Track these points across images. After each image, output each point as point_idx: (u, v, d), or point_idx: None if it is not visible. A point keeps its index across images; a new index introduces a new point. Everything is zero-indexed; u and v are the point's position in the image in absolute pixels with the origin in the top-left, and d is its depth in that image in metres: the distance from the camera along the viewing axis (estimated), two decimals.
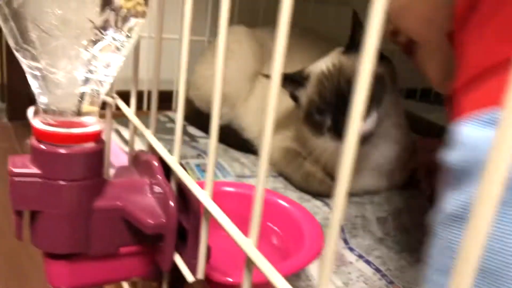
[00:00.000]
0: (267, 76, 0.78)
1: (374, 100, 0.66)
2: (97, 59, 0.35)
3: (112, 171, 0.51)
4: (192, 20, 0.34)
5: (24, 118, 1.14)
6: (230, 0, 0.29)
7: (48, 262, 0.40)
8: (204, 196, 0.33)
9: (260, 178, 0.26)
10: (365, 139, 0.66)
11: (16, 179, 0.36)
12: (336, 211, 0.21)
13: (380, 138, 0.71)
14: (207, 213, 0.33)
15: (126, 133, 0.88)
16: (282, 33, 0.24)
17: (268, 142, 0.26)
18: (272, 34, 0.91)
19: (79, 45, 0.34)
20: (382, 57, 0.69)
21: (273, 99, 0.25)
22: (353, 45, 0.71)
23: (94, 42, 0.34)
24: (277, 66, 0.25)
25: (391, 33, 0.54)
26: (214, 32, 1.13)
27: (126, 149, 0.79)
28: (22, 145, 0.93)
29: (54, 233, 0.38)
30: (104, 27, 0.34)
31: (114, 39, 0.35)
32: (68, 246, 0.39)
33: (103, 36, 0.34)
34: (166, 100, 1.13)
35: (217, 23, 0.30)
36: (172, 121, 1.07)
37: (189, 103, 1.02)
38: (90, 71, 0.35)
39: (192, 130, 1.00)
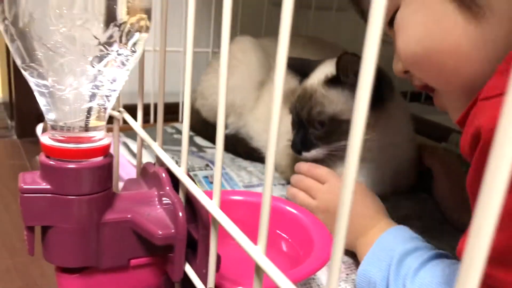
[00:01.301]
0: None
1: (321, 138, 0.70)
2: (102, 74, 0.36)
3: (121, 184, 0.51)
4: (195, 32, 0.34)
5: (33, 135, 1.15)
6: (232, 12, 0.29)
7: (60, 276, 0.40)
8: (212, 206, 0.33)
9: (267, 184, 0.26)
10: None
11: (26, 195, 0.37)
12: (342, 219, 0.21)
13: (383, 146, 0.71)
14: (216, 223, 0.34)
15: (134, 146, 0.89)
16: (284, 40, 0.24)
17: (273, 148, 0.26)
18: (277, 43, 0.91)
19: (85, 61, 0.35)
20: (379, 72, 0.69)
21: (277, 106, 0.26)
22: (338, 80, 0.70)
23: (100, 58, 0.35)
24: (280, 74, 0.25)
25: (403, 72, 0.51)
26: (218, 44, 1.14)
27: (134, 162, 0.80)
28: (31, 162, 0.94)
29: (65, 247, 0.39)
30: (108, 43, 0.34)
31: (119, 54, 0.36)
32: (80, 260, 0.39)
33: (108, 52, 0.35)
34: (172, 112, 1.13)
35: (220, 34, 0.31)
36: (179, 132, 1.08)
37: (196, 113, 1.03)
38: (96, 87, 0.36)
39: (199, 140, 1.01)
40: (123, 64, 0.37)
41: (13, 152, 1.05)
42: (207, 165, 0.86)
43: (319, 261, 0.46)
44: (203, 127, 0.99)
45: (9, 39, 0.34)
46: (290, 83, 0.79)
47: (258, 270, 0.28)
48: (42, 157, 0.38)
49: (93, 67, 0.35)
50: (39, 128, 1.03)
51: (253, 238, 0.58)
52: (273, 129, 0.26)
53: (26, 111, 1.13)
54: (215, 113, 0.38)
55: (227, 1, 0.29)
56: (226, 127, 0.96)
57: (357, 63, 0.48)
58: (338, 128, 0.69)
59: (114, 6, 0.33)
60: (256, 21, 1.17)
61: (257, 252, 0.28)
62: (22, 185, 0.37)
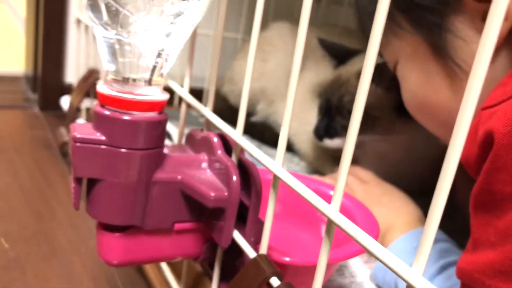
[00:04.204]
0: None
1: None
2: (174, 30, 0.35)
3: None
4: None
5: (55, 108, 1.15)
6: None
7: (102, 234, 0.39)
8: (276, 166, 0.32)
9: (345, 159, 0.25)
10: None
11: (80, 144, 0.36)
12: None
13: (406, 147, 0.71)
14: (277, 183, 0.32)
15: (169, 126, 0.88)
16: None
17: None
18: (314, 33, 0.91)
19: (160, 15, 0.34)
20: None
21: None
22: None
23: (175, 13, 0.34)
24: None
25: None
26: (249, 30, 1.13)
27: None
28: (54, 133, 0.93)
29: (112, 203, 0.37)
30: None
31: (186, 10, 0.35)
32: (125, 218, 0.38)
33: (181, 7, 0.34)
34: (197, 97, 1.13)
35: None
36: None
37: (222, 99, 1.01)
38: (166, 42, 0.35)
39: None
40: (190, 21, 0.36)
41: (36, 123, 1.04)
42: None
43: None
44: (230, 113, 0.98)
45: None
46: (327, 73, 0.78)
47: (330, 227, 0.27)
48: (97, 107, 0.37)
49: (168, 21, 0.34)
50: (64, 100, 1.02)
51: (290, 219, 0.56)
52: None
53: (50, 84, 1.13)
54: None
55: None
56: (255, 113, 0.94)
57: (391, 72, 0.51)
58: (365, 121, 0.68)
59: None
60: (289, 8, 1.15)
61: (332, 210, 0.26)
62: (76, 134, 0.35)
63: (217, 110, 0.93)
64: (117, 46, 0.36)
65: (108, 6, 0.34)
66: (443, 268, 0.50)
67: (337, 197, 0.27)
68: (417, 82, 0.48)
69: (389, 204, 0.61)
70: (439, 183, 0.20)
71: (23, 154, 0.86)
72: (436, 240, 0.53)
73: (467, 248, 0.37)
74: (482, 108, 0.37)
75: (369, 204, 0.60)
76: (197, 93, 1.15)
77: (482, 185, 0.34)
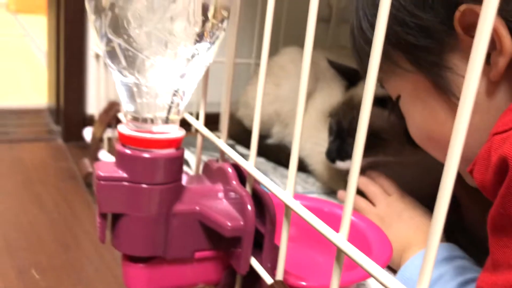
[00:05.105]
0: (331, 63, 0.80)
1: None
2: (189, 70, 0.38)
3: None
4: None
5: (78, 139, 1.18)
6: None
7: (127, 265, 0.42)
8: (286, 195, 0.34)
9: (353, 176, 0.27)
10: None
11: (104, 182, 0.38)
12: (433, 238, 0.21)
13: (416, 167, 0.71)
14: (289, 213, 0.34)
15: (187, 154, 0.91)
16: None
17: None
18: (324, 54, 0.92)
19: (175, 58, 0.37)
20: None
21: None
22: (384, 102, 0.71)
23: (189, 55, 0.37)
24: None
25: None
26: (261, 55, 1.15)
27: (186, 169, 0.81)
28: (78, 164, 0.97)
29: (135, 235, 0.40)
30: (198, 40, 0.36)
31: (206, 50, 0.38)
32: (148, 249, 0.40)
33: (197, 49, 0.37)
34: (212, 122, 1.15)
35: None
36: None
37: (237, 123, 1.04)
38: (181, 82, 0.38)
39: (241, 149, 1.02)
40: (203, 62, 0.39)
41: (60, 155, 1.08)
42: None
43: (379, 262, 0.46)
44: (246, 136, 1.01)
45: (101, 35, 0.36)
46: (338, 95, 0.80)
47: (339, 256, 0.28)
48: (118, 146, 0.39)
49: (182, 63, 0.37)
50: (86, 131, 1.06)
51: (306, 239, 0.57)
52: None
53: (73, 116, 1.17)
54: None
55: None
56: (271, 136, 0.96)
57: None
58: (376, 144, 0.69)
59: (206, 4, 0.35)
60: (299, 33, 1.18)
61: (340, 238, 0.28)
62: (100, 172, 0.38)
63: (233, 134, 0.96)
64: (135, 89, 0.39)
65: (125, 52, 0.37)
66: (461, 285, 0.50)
67: (345, 225, 0.28)
68: (422, 117, 0.49)
69: (410, 220, 0.61)
70: (437, 203, 0.22)
71: (48, 186, 0.89)
72: (454, 257, 0.53)
73: (486, 267, 0.38)
74: (493, 133, 0.38)
75: (390, 220, 0.61)
76: (214, 118, 1.18)
77: (499, 209, 0.35)
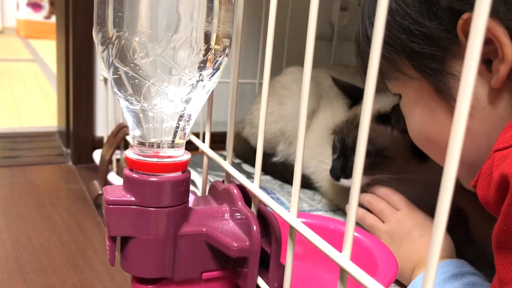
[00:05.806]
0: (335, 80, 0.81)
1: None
2: (193, 97, 0.39)
3: None
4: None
5: (88, 162, 1.20)
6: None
7: (137, 286, 0.42)
8: (290, 216, 0.35)
9: (353, 193, 0.28)
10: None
11: (112, 206, 0.39)
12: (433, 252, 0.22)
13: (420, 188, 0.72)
14: (293, 233, 0.35)
15: (193, 174, 0.92)
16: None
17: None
18: (327, 73, 0.94)
19: (180, 85, 0.38)
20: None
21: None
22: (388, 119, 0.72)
23: (193, 82, 0.38)
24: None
25: None
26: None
27: (193, 189, 0.82)
28: (88, 186, 0.99)
29: (144, 257, 0.41)
30: (201, 67, 0.38)
31: (209, 78, 0.40)
32: (156, 271, 0.41)
33: (201, 76, 0.39)
34: (219, 141, 1.17)
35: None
36: None
37: (243, 142, 1.05)
38: (186, 108, 0.39)
39: (247, 167, 1.03)
40: (207, 87, 0.40)
41: (70, 177, 1.10)
42: None
43: (383, 281, 0.46)
44: (252, 155, 1.02)
45: (109, 64, 0.38)
46: (342, 113, 0.81)
47: (343, 275, 0.29)
48: (126, 171, 0.40)
49: (187, 90, 0.38)
50: (96, 154, 1.07)
51: (312, 257, 0.58)
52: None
53: (82, 139, 1.19)
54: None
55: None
56: (276, 154, 0.97)
57: None
58: (381, 162, 0.69)
59: (209, 32, 0.37)
60: (303, 53, 1.20)
61: (343, 258, 0.29)
62: (109, 197, 0.39)
63: (239, 152, 0.96)
64: (141, 115, 0.40)
65: (131, 80, 0.39)
66: None
67: (347, 245, 0.29)
68: (422, 120, 0.50)
69: (420, 239, 0.60)
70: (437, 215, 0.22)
71: (59, 208, 0.91)
72: (464, 273, 0.53)
73: (493, 285, 0.38)
74: (495, 150, 0.38)
75: (400, 238, 0.61)
76: (222, 136, 1.20)
77: (502, 226, 0.36)
